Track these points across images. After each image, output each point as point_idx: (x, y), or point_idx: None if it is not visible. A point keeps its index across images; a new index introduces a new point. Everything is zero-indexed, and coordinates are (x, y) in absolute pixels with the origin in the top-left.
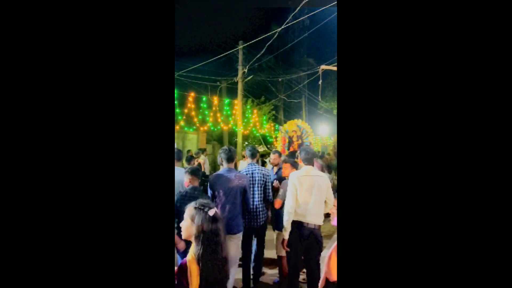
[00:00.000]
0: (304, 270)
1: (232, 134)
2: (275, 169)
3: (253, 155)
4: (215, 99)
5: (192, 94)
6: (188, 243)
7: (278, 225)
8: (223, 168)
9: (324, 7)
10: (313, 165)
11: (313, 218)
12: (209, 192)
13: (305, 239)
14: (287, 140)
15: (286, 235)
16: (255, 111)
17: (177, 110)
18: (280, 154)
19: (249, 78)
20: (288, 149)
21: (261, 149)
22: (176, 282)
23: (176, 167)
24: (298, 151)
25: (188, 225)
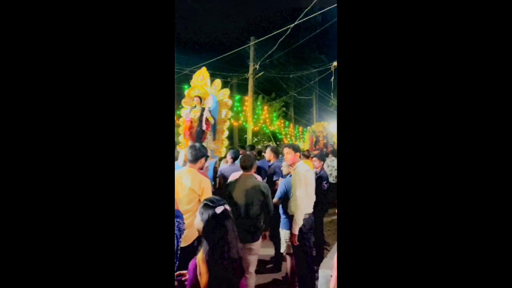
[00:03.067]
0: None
1: (242, 131)
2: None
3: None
4: None
5: None
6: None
7: (282, 223)
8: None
9: (336, 5)
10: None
11: (308, 210)
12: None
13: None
14: (314, 139)
15: (297, 229)
16: (265, 107)
17: None
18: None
19: (259, 74)
20: (315, 147)
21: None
22: (187, 280)
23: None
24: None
25: (198, 221)
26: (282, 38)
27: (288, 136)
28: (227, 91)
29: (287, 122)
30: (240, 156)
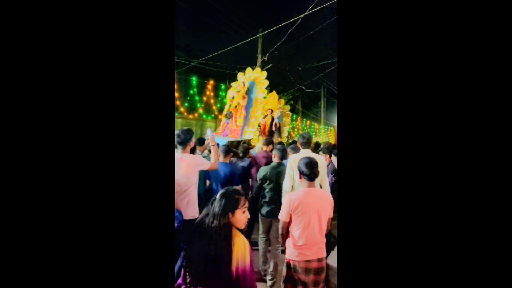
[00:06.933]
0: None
1: None
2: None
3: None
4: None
5: (211, 82)
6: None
7: None
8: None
9: None
10: (310, 149)
11: None
12: None
13: None
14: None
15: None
16: None
17: (196, 97)
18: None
19: (268, 67)
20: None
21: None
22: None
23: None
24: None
25: None
26: (291, 29)
27: (296, 129)
28: (287, 107)
29: (294, 116)
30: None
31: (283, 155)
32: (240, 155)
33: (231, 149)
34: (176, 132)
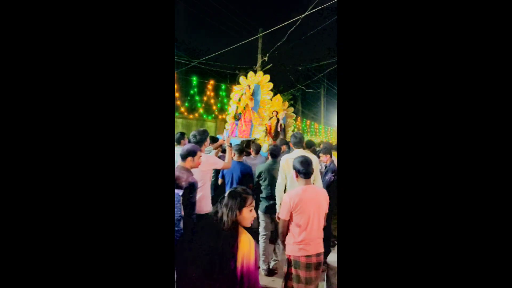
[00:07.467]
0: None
1: None
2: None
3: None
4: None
5: (212, 82)
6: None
7: None
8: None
9: None
10: (303, 149)
11: None
12: None
13: None
14: None
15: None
16: None
17: (196, 97)
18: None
19: (268, 66)
20: None
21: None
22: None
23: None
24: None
25: None
26: (292, 29)
27: (296, 129)
28: (291, 108)
29: (294, 116)
30: (270, 146)
31: (276, 154)
32: (253, 153)
33: (244, 148)
34: (193, 132)
